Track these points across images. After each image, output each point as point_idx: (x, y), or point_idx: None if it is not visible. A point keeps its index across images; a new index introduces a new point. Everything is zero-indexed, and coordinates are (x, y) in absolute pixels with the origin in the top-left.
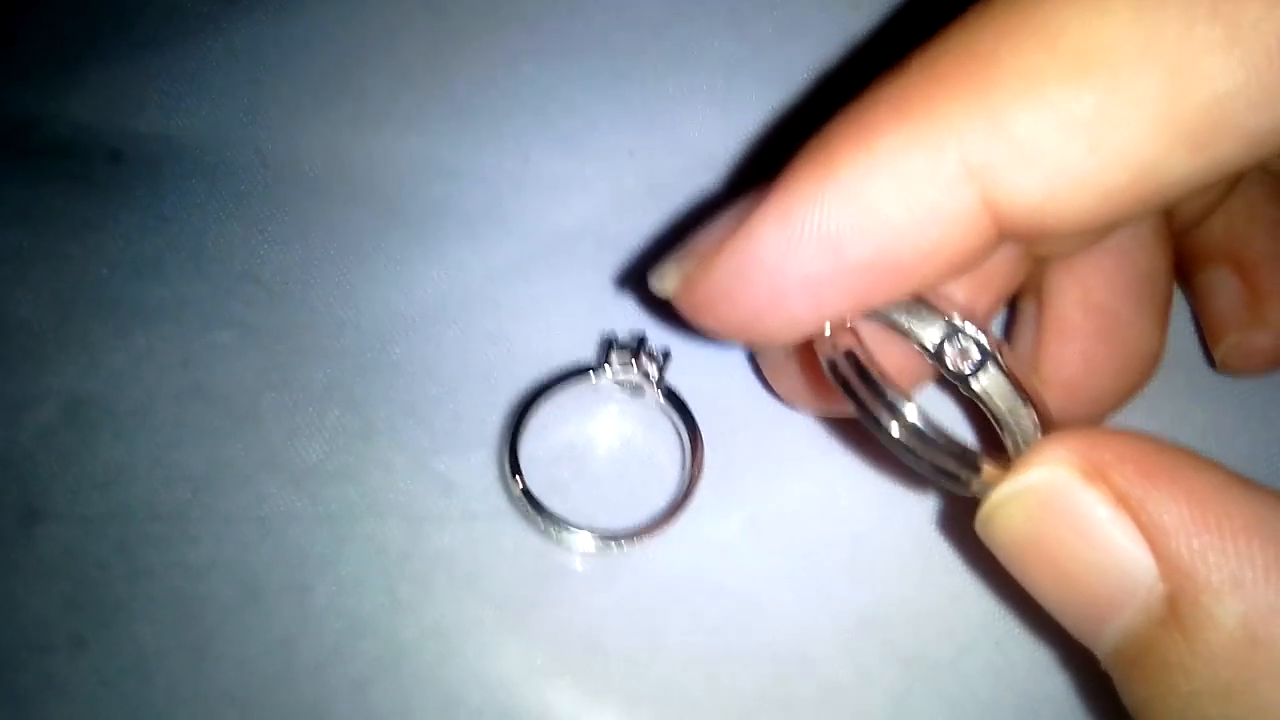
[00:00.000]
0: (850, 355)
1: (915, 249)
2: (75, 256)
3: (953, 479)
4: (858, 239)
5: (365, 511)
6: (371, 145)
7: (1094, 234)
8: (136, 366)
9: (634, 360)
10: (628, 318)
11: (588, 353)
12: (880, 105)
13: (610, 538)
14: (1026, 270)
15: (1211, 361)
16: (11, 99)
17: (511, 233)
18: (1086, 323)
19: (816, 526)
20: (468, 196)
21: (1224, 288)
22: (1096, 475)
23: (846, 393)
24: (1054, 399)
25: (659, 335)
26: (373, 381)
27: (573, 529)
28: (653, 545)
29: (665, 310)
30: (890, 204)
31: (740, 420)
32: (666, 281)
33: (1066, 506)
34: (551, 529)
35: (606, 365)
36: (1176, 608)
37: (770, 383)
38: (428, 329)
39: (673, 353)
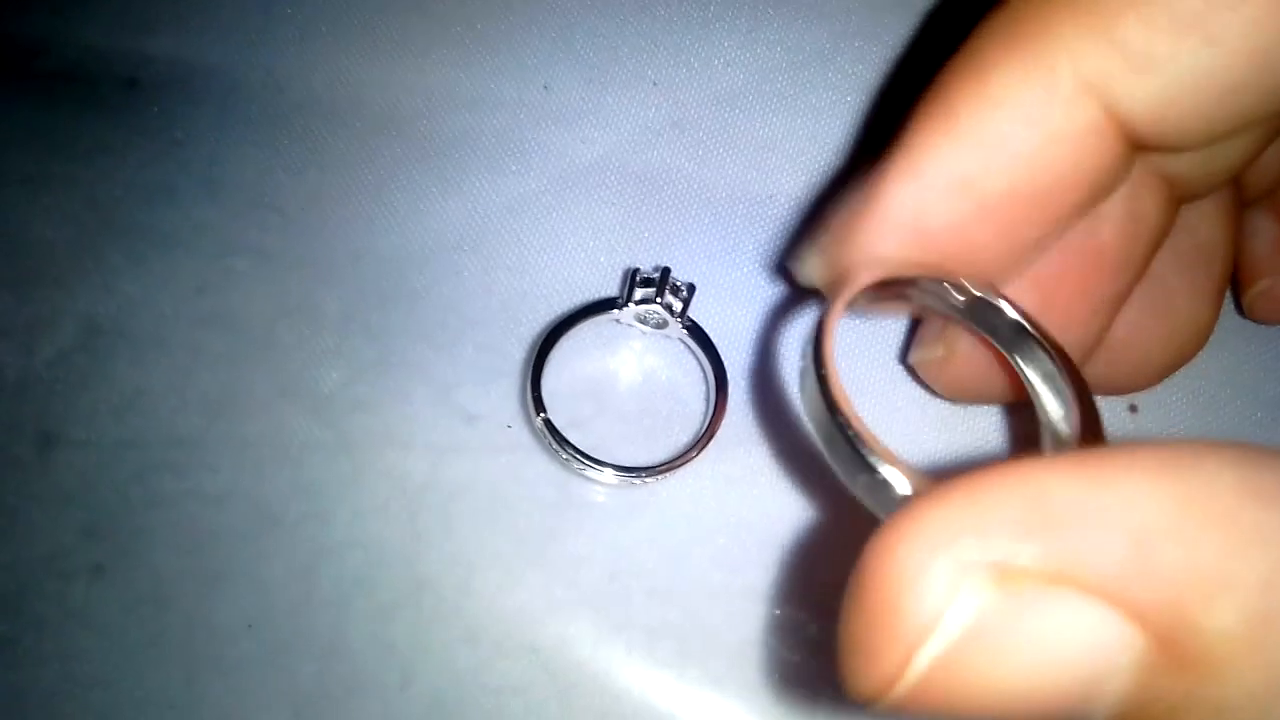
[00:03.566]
0: None
1: (1049, 175)
2: (87, 181)
3: None
4: (992, 176)
5: (385, 441)
6: (388, 72)
7: (1225, 147)
8: (151, 292)
9: (658, 294)
10: (651, 251)
11: (611, 286)
12: (988, 40)
13: (632, 472)
14: (1170, 211)
15: (1239, 306)
16: (22, 22)
17: (532, 164)
18: (1141, 299)
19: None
20: (487, 126)
21: (1260, 231)
22: (1011, 575)
23: None
24: (1098, 363)
25: (683, 269)
26: (391, 311)
27: (595, 463)
28: (674, 480)
29: (690, 247)
30: (1015, 135)
31: (764, 355)
32: (809, 266)
33: (1002, 627)
34: (573, 462)
35: (630, 299)
36: (1163, 640)
37: (931, 378)
38: (447, 259)
39: (697, 286)
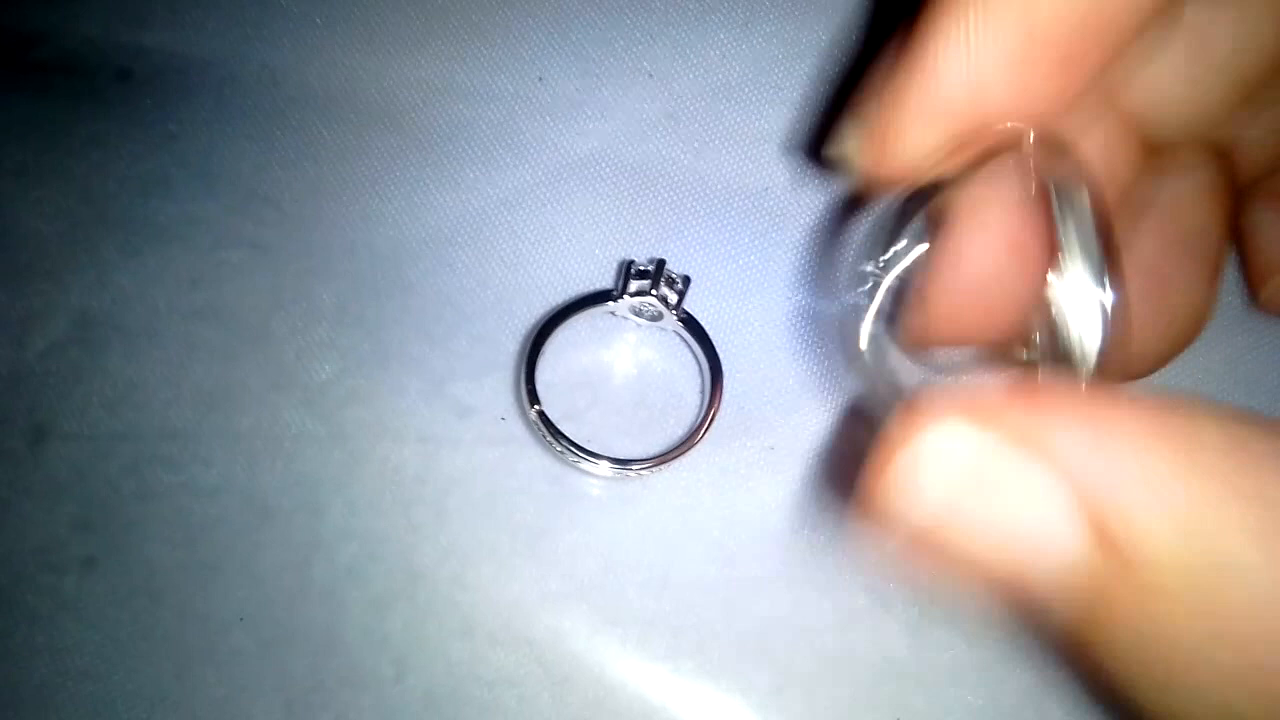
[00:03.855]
0: None
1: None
2: (81, 173)
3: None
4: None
5: (379, 434)
6: (383, 65)
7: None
8: (145, 285)
9: (653, 286)
10: (646, 243)
11: (606, 279)
12: None
13: (627, 465)
14: (1138, 166)
15: (1255, 300)
16: (16, 13)
17: (527, 156)
18: (1132, 280)
19: (836, 456)
20: (481, 118)
21: (1266, 224)
22: (989, 423)
23: None
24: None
25: (678, 261)
26: (386, 304)
27: (589, 455)
28: (669, 473)
29: (685, 240)
30: None
31: (759, 349)
32: (848, 143)
33: (973, 465)
34: (568, 455)
35: (625, 291)
36: (1106, 536)
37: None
38: (442, 252)
39: (692, 279)
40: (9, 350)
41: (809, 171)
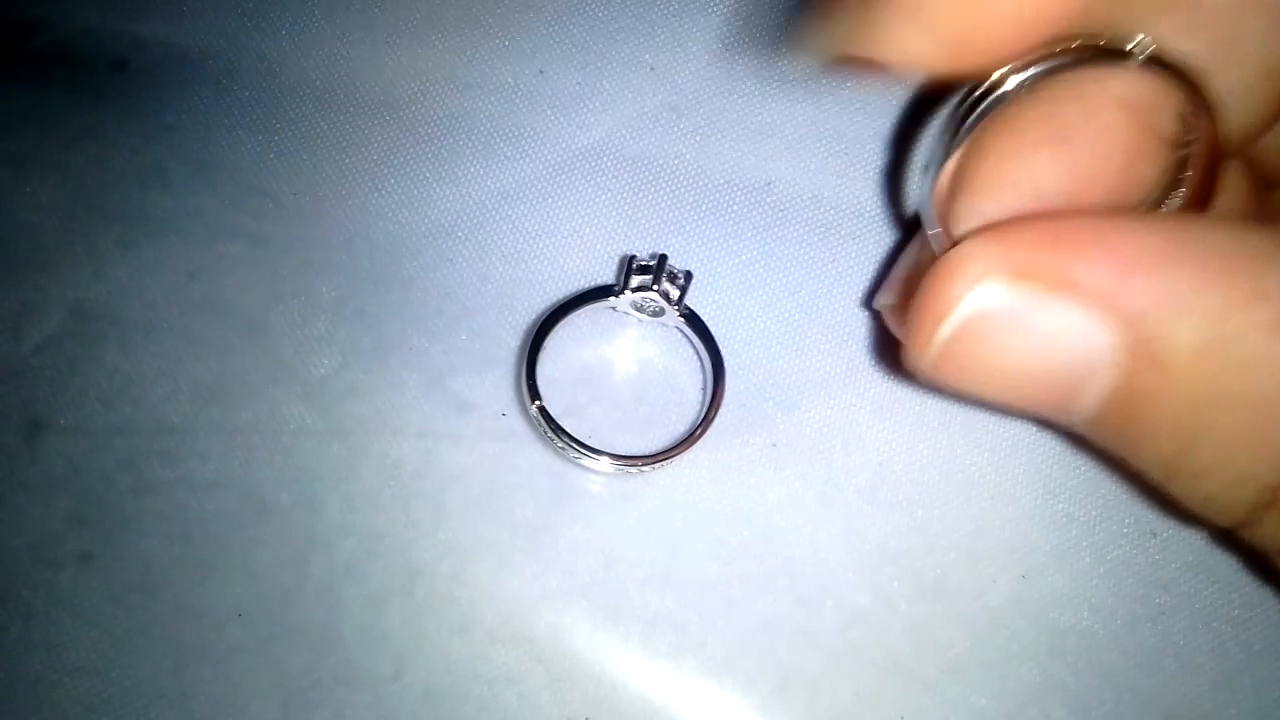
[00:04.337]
0: None
1: None
2: (77, 165)
3: None
4: None
5: (378, 429)
6: (382, 56)
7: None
8: (142, 278)
9: (654, 281)
10: (648, 238)
11: (607, 273)
12: None
13: (628, 461)
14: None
15: None
16: (11, 3)
17: (527, 149)
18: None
19: (838, 454)
20: (481, 111)
21: None
22: (1023, 274)
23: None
24: None
25: (680, 255)
26: (385, 298)
27: (590, 452)
28: (671, 469)
29: (687, 234)
30: None
31: (762, 345)
32: (834, 32)
33: (1011, 318)
34: (569, 451)
35: (626, 286)
36: (1139, 351)
37: (895, 327)
38: (442, 246)
39: (694, 274)
40: (3, 344)
41: (814, 166)
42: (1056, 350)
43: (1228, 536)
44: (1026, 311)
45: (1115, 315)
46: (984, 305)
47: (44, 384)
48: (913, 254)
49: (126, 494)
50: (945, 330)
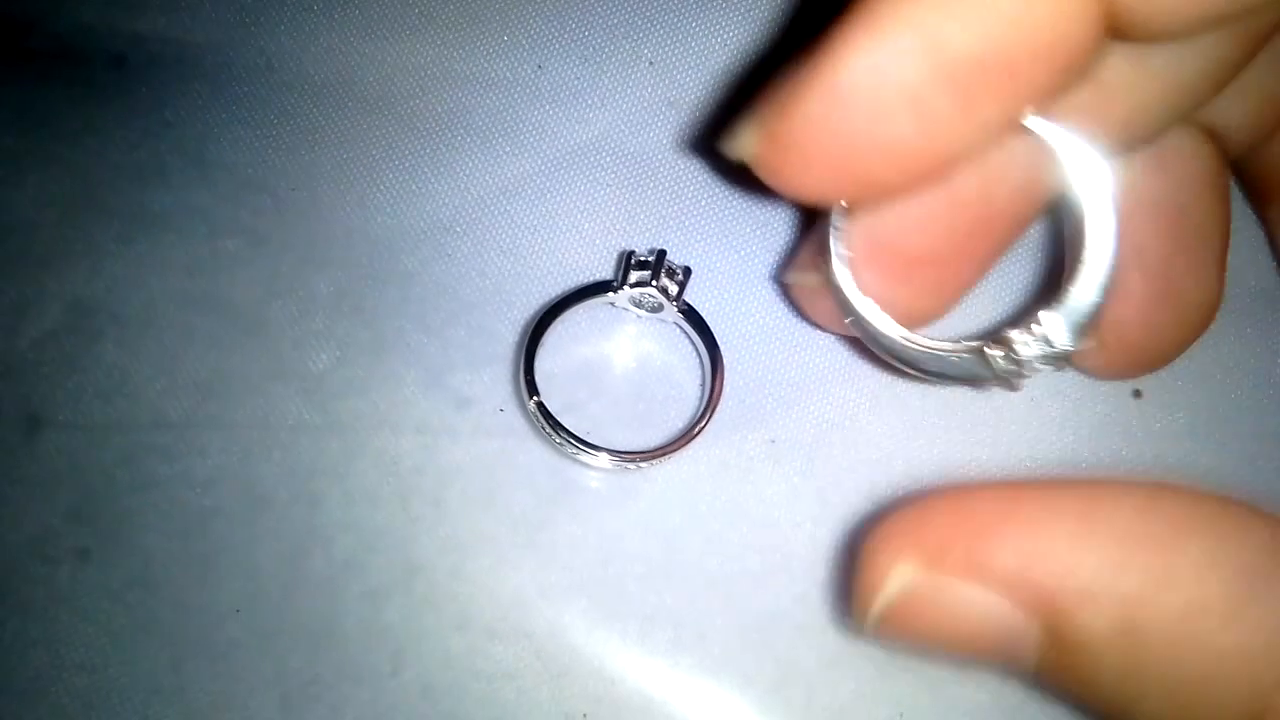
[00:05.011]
0: None
1: (1022, 37)
2: (75, 161)
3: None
4: (961, 30)
5: (377, 424)
6: (380, 50)
7: (1192, 38)
8: (140, 273)
9: (653, 277)
10: (646, 233)
11: (606, 268)
12: None
13: (627, 457)
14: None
15: None
16: None
17: (525, 144)
18: (1145, 286)
19: (836, 450)
20: (480, 106)
21: None
22: (935, 560)
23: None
24: (1114, 355)
25: (679, 250)
26: (383, 293)
27: (589, 448)
28: (669, 465)
29: (686, 229)
30: None
31: (760, 341)
32: (741, 141)
33: (932, 597)
34: (567, 447)
35: (625, 282)
36: (1055, 633)
37: (802, 303)
38: (440, 241)
39: (693, 270)
40: (2, 338)
41: None
42: (980, 627)
43: None
44: (944, 593)
45: (1026, 598)
46: (905, 588)
47: (42, 379)
48: (817, 236)
49: (124, 490)
50: (877, 607)
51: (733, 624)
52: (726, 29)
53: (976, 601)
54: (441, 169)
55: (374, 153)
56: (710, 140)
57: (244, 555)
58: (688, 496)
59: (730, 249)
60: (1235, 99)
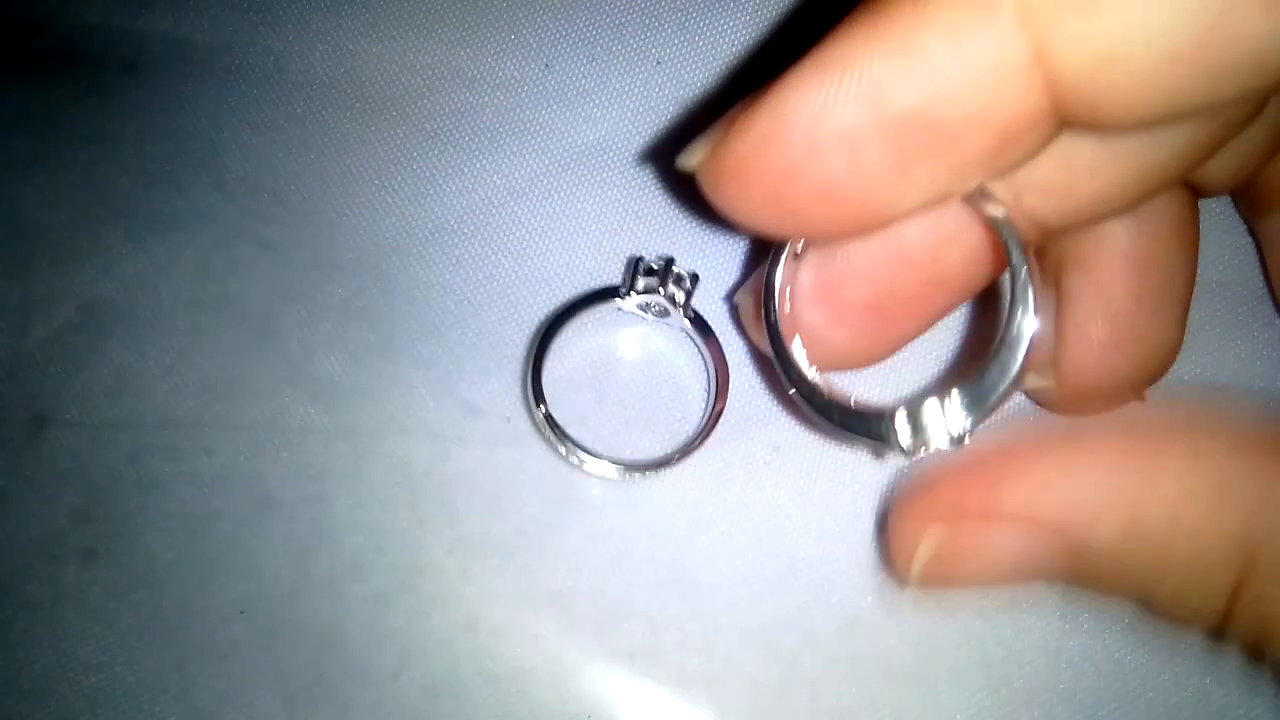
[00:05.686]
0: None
1: (961, 104)
2: (86, 162)
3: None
4: (901, 85)
5: (386, 428)
6: (388, 50)
7: (1149, 131)
8: (149, 274)
9: (661, 283)
10: (655, 237)
11: (613, 273)
12: None
13: (633, 466)
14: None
15: (1277, 305)
16: (19, 1)
17: (533, 145)
18: (1107, 332)
19: (841, 456)
20: (487, 106)
21: None
22: (954, 516)
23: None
24: (1073, 396)
25: (687, 258)
26: (393, 297)
27: (595, 456)
28: (676, 472)
29: (693, 230)
30: (938, 48)
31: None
32: (693, 156)
33: (961, 550)
34: (574, 455)
35: (632, 288)
36: (1071, 551)
37: (746, 326)
38: (448, 244)
39: (701, 276)
40: (9, 338)
41: None
42: (1009, 562)
43: (1219, 637)
44: (970, 543)
45: (1040, 530)
46: (936, 548)
47: (50, 378)
48: (767, 265)
49: (131, 489)
50: (916, 570)
51: (737, 629)
52: (735, 28)
53: (999, 544)
54: (449, 170)
55: (381, 154)
56: None
57: (250, 556)
58: (694, 503)
59: (738, 251)
60: (1215, 159)
